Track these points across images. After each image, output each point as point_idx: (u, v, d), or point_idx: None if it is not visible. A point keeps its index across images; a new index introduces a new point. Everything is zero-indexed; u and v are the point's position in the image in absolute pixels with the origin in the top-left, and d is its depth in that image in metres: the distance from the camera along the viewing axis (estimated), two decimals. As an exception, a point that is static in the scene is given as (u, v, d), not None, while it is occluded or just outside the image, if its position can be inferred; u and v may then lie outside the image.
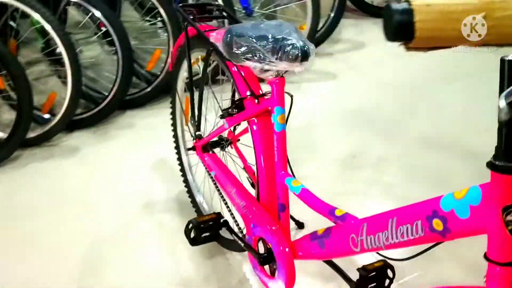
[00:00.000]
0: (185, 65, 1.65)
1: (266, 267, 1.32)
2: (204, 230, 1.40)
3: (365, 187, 2.01)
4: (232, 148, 1.58)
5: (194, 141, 1.64)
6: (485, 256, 0.76)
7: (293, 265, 1.22)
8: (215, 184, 1.55)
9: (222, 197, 1.53)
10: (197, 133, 1.61)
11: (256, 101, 1.27)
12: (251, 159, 1.38)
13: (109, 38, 2.67)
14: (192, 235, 1.40)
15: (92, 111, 2.67)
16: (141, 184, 2.13)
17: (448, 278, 1.53)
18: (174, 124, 1.90)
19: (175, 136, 1.91)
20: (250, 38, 1.13)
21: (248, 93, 1.30)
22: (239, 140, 1.57)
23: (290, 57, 1.07)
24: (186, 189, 1.89)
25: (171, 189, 2.04)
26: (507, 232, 0.72)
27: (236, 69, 1.35)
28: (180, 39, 1.62)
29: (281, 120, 1.20)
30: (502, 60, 0.67)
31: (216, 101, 1.59)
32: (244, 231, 1.41)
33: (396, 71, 3.00)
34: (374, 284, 1.10)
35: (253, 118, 1.30)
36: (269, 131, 1.25)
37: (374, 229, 0.95)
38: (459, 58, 2.57)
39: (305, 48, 1.07)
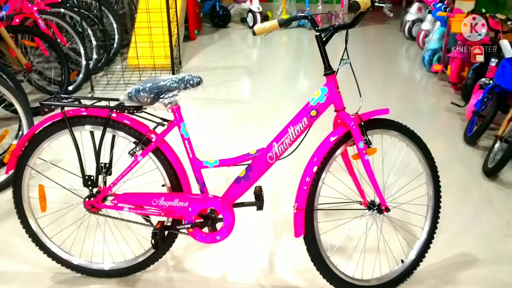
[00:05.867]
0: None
1: (205, 229, 1.93)
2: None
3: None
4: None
5: (88, 199, 1.94)
6: None
7: (232, 209, 1.92)
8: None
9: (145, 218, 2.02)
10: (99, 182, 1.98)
11: (166, 126, 1.92)
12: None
13: None
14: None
15: None
16: None
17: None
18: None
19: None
20: (154, 85, 1.83)
21: (152, 127, 1.93)
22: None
23: (193, 84, 1.84)
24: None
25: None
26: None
27: (125, 121, 1.93)
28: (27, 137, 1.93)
29: (186, 130, 1.92)
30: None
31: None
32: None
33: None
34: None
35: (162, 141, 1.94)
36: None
37: (281, 139, 1.83)
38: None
39: (199, 78, 1.86)
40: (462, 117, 3.74)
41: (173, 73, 4.64)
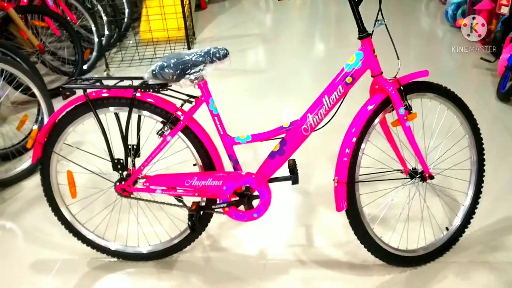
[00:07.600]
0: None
1: (241, 207, 1.86)
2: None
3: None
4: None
5: (119, 183, 1.87)
6: None
7: (268, 185, 1.85)
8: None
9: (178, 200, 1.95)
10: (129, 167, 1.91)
11: (193, 103, 1.83)
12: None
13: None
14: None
15: None
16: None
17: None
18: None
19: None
20: (179, 60, 1.72)
21: (178, 105, 1.84)
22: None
23: (219, 57, 1.74)
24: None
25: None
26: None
27: (151, 100, 1.84)
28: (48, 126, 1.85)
29: (215, 106, 1.83)
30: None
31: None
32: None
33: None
34: None
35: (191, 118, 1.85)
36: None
37: (316, 110, 1.73)
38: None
39: (225, 50, 1.76)
40: (493, 73, 3.57)
41: (188, 45, 4.51)
